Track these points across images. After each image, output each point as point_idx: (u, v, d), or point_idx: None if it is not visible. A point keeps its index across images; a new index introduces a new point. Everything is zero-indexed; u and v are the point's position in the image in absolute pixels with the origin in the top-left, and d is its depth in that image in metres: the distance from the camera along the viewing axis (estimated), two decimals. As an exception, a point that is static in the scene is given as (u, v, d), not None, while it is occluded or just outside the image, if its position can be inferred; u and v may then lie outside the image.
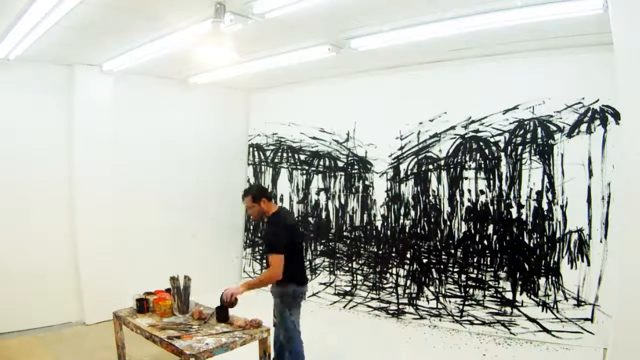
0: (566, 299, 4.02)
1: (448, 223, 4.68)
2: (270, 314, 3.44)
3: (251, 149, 6.44)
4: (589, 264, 3.93)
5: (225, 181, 6.28)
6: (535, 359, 3.83)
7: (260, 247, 6.28)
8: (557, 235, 4.07)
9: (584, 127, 3.95)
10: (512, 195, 4.31)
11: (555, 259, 4.07)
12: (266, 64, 4.61)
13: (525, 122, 4.22)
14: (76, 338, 4.34)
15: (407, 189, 4.96)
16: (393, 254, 5.08)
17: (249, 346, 3.01)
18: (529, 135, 4.21)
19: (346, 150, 5.45)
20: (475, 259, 4.51)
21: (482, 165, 4.47)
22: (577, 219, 3.99)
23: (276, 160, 6.15)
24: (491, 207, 4.43)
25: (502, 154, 4.36)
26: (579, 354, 3.84)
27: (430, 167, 4.78)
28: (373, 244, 5.25)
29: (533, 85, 4.17)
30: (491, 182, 4.43)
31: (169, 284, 3.34)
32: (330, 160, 5.61)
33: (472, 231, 4.53)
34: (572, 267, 4.01)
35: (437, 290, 4.73)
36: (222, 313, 3.21)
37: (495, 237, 4.39)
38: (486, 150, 4.45)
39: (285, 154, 6.05)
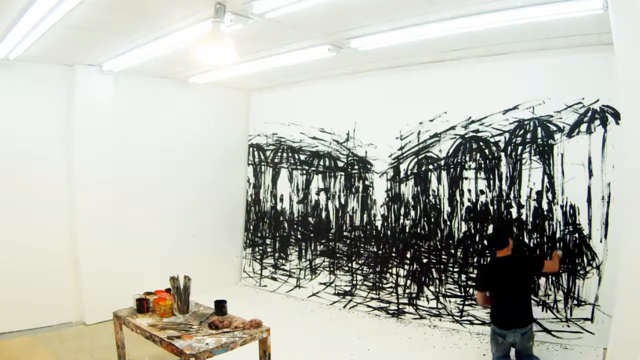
0: (566, 298, 4.02)
1: (448, 223, 4.68)
2: (271, 314, 3.44)
3: (251, 149, 6.44)
4: (589, 264, 3.93)
5: (225, 181, 6.29)
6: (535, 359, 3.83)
7: (260, 247, 6.28)
8: (557, 235, 4.07)
9: (584, 127, 3.95)
10: (512, 195, 4.31)
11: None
12: (266, 64, 4.61)
13: (525, 122, 4.22)
14: (76, 338, 4.35)
15: (407, 189, 4.96)
16: (393, 254, 5.09)
17: (249, 346, 3.01)
18: (529, 135, 4.21)
19: (346, 150, 5.45)
20: (475, 259, 4.51)
21: (482, 165, 4.47)
22: (577, 219, 3.98)
23: (276, 160, 6.15)
24: (491, 207, 4.43)
25: (502, 154, 4.36)
26: (579, 354, 3.84)
27: (430, 167, 4.78)
28: (373, 244, 5.25)
29: (533, 85, 4.16)
30: (491, 182, 4.43)
31: (169, 284, 3.34)
32: (330, 160, 5.61)
33: (472, 231, 4.53)
34: (572, 267, 4.00)
35: (437, 290, 4.74)
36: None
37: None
38: (486, 150, 4.45)
39: (285, 154, 6.05)
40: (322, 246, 5.70)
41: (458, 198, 4.61)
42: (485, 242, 4.35)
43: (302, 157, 5.87)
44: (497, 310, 3.44)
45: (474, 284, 4.33)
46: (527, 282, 3.53)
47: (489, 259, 4.31)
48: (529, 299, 3.47)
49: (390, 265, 5.10)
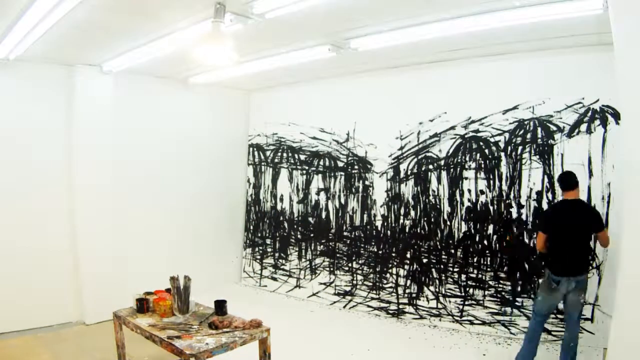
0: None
1: (448, 223, 4.68)
2: (271, 314, 3.44)
3: (251, 149, 6.44)
4: (589, 264, 3.92)
5: (225, 181, 6.29)
6: (535, 359, 3.82)
7: (260, 247, 6.28)
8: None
9: (584, 127, 3.95)
10: (512, 195, 4.31)
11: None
12: (266, 64, 4.61)
13: (525, 122, 4.22)
14: (76, 338, 4.35)
15: (407, 189, 4.96)
16: (393, 254, 5.09)
17: (249, 346, 3.01)
18: (529, 135, 4.21)
19: (346, 150, 5.45)
20: (475, 259, 4.51)
21: (482, 165, 4.47)
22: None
23: (276, 160, 6.15)
24: (491, 207, 4.43)
25: (502, 154, 4.36)
26: (579, 354, 3.83)
27: (430, 167, 4.78)
28: (373, 244, 5.25)
29: (533, 85, 4.16)
30: (491, 182, 4.43)
31: (169, 284, 3.34)
32: (330, 160, 5.61)
33: (472, 231, 4.53)
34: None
35: (437, 290, 4.74)
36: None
37: (495, 237, 4.39)
38: (486, 150, 4.45)
39: (285, 154, 6.05)
40: (322, 246, 5.70)
41: (458, 198, 4.61)
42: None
43: (302, 157, 5.87)
44: (555, 255, 3.43)
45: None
46: (588, 231, 3.41)
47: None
48: (588, 248, 3.44)
49: (390, 265, 5.10)
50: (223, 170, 6.26)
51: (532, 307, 3.75)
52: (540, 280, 3.85)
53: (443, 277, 4.70)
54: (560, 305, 3.61)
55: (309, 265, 5.79)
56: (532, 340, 3.53)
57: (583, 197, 3.92)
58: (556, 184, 4.07)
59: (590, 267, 3.60)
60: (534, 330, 3.55)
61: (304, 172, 5.86)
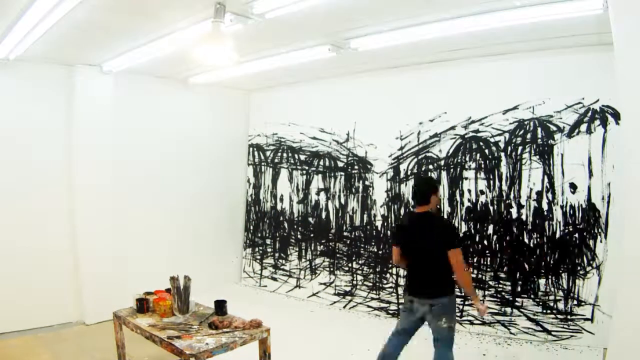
0: (566, 298, 4.02)
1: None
2: (271, 314, 3.43)
3: (251, 149, 6.44)
4: (589, 264, 3.93)
5: (225, 181, 6.29)
6: (535, 359, 3.83)
7: (260, 247, 6.28)
8: (557, 235, 4.07)
9: (584, 127, 3.95)
10: (512, 195, 4.31)
11: (556, 259, 4.07)
12: (266, 64, 4.61)
13: (525, 122, 4.22)
14: (76, 338, 4.35)
15: (407, 189, 4.96)
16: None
17: (249, 346, 3.01)
18: (529, 135, 4.21)
19: (346, 151, 5.45)
20: (475, 259, 4.51)
21: (482, 165, 4.47)
22: (577, 219, 3.98)
23: (276, 160, 6.15)
24: (491, 207, 4.43)
25: (502, 154, 4.36)
26: (579, 354, 3.84)
27: (430, 167, 4.78)
28: (373, 244, 5.25)
29: (533, 85, 4.16)
30: (491, 182, 4.43)
31: (169, 284, 3.34)
32: (330, 161, 5.61)
33: (472, 231, 4.53)
34: (572, 267, 4.00)
35: (437, 290, 4.73)
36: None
37: (495, 237, 4.39)
38: (486, 151, 4.45)
39: (285, 154, 6.05)
40: (322, 246, 5.70)
41: (458, 198, 4.61)
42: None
43: (302, 157, 5.87)
44: (407, 272, 3.16)
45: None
46: (437, 249, 2.93)
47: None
48: (440, 269, 2.96)
49: (390, 265, 5.10)
50: (223, 170, 6.26)
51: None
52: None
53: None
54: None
55: (309, 266, 5.79)
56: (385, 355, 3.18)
57: (583, 197, 3.94)
58: (556, 184, 4.08)
59: (450, 290, 3.03)
60: (387, 347, 3.20)
61: (304, 172, 5.86)
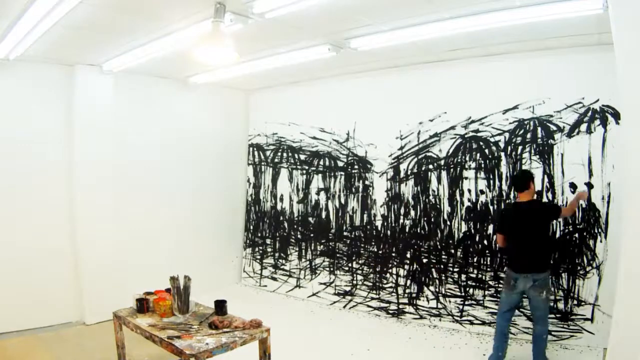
0: (566, 298, 4.02)
1: (448, 223, 4.68)
2: (271, 314, 3.44)
3: (251, 149, 6.44)
4: (589, 264, 3.93)
5: (225, 181, 6.29)
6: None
7: (260, 247, 6.28)
8: (557, 235, 4.07)
9: (584, 127, 3.95)
10: (512, 195, 4.30)
11: (556, 259, 4.07)
12: (266, 64, 4.61)
13: (525, 122, 4.22)
14: (76, 338, 4.35)
15: (407, 189, 4.96)
16: (393, 254, 5.09)
17: (249, 346, 3.01)
18: (529, 135, 4.21)
19: (346, 150, 5.45)
20: (475, 259, 4.51)
21: (482, 165, 4.47)
22: (577, 218, 3.98)
23: (276, 160, 6.15)
24: (491, 207, 4.43)
25: (502, 153, 4.36)
26: (579, 353, 3.84)
27: (430, 167, 4.78)
28: (373, 243, 5.25)
29: (533, 85, 4.16)
30: (491, 182, 4.43)
31: (169, 284, 3.34)
32: (330, 160, 5.61)
33: (472, 231, 4.53)
34: (572, 267, 4.00)
35: (437, 290, 4.74)
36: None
37: (495, 237, 4.39)
38: (486, 150, 4.45)
39: (285, 154, 6.05)
40: (322, 246, 5.70)
41: (458, 198, 4.61)
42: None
43: (302, 157, 5.87)
44: (512, 253, 3.60)
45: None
46: (544, 229, 3.54)
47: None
48: (545, 247, 3.53)
49: (390, 265, 5.10)
50: (223, 170, 6.26)
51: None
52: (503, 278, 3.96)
53: (443, 277, 4.70)
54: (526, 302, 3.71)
55: (309, 265, 5.79)
56: (498, 338, 3.61)
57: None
58: (556, 184, 4.08)
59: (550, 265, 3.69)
60: (499, 326, 3.64)
61: (304, 172, 5.86)
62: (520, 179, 3.60)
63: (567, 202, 3.99)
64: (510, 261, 3.62)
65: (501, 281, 4.35)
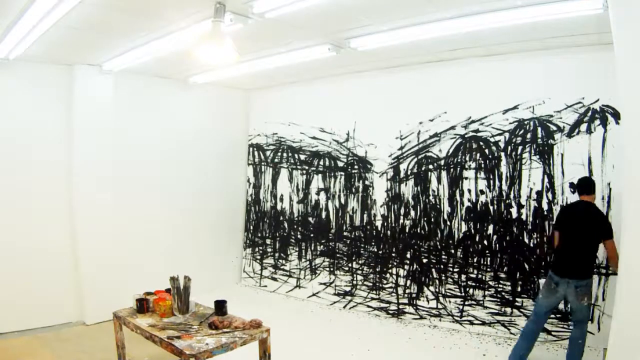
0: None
1: (448, 223, 4.68)
2: (271, 314, 3.44)
3: (251, 149, 6.44)
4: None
5: (225, 181, 6.29)
6: (535, 359, 3.83)
7: (260, 247, 6.28)
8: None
9: (584, 127, 3.95)
10: (512, 195, 4.31)
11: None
12: (266, 64, 4.61)
13: (525, 122, 4.22)
14: (76, 338, 4.34)
15: (407, 189, 4.96)
16: (393, 254, 5.09)
17: (249, 346, 3.01)
18: (529, 135, 4.21)
19: (346, 150, 5.45)
20: (475, 259, 4.51)
21: (482, 165, 4.47)
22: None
23: (276, 160, 6.15)
24: (491, 207, 4.43)
25: (502, 153, 4.36)
26: (579, 354, 3.84)
27: (430, 167, 4.78)
28: (373, 244, 5.25)
29: (533, 85, 4.16)
30: (491, 182, 4.43)
31: (169, 284, 3.34)
32: (330, 160, 5.61)
33: (472, 231, 4.53)
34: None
35: (437, 290, 4.73)
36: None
37: (495, 237, 4.39)
38: (486, 150, 4.45)
39: (285, 154, 6.05)
40: (322, 246, 5.70)
41: (458, 198, 4.61)
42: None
43: (302, 157, 5.87)
44: (562, 253, 3.51)
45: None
46: (594, 236, 3.39)
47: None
48: (591, 253, 3.42)
49: (390, 265, 5.10)
50: (223, 170, 6.26)
51: (534, 306, 3.77)
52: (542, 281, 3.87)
53: (443, 277, 4.70)
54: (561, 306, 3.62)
55: (309, 266, 5.79)
56: (526, 338, 3.56)
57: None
58: (556, 184, 4.08)
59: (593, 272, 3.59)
60: (530, 328, 3.58)
61: (304, 172, 5.86)
62: (591, 184, 3.52)
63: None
64: (554, 263, 3.55)
65: (501, 281, 4.35)
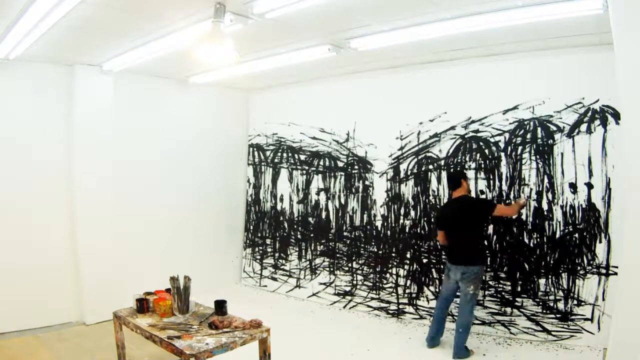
0: (566, 298, 4.02)
1: (448, 223, 4.67)
2: (271, 314, 3.44)
3: (251, 149, 6.44)
4: (589, 264, 3.93)
5: (225, 181, 6.29)
6: (535, 359, 3.83)
7: (260, 247, 6.28)
8: (557, 235, 4.07)
9: (584, 127, 3.95)
10: (512, 195, 4.30)
11: (556, 259, 4.07)
12: (266, 64, 4.61)
13: (525, 122, 4.22)
14: (76, 338, 4.35)
15: (407, 189, 4.96)
16: (393, 254, 5.09)
17: (249, 346, 3.01)
18: (529, 136, 4.21)
19: (346, 150, 5.45)
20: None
21: (482, 165, 4.47)
22: (577, 219, 3.98)
23: (276, 160, 6.15)
24: (491, 207, 4.42)
25: (502, 154, 4.36)
26: (579, 354, 3.84)
27: (430, 167, 4.78)
28: (373, 244, 5.25)
29: (533, 85, 4.16)
30: (491, 182, 4.43)
31: (169, 284, 3.34)
32: (330, 161, 5.61)
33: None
34: (572, 267, 4.00)
35: (437, 290, 4.73)
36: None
37: (495, 237, 4.39)
38: (486, 150, 4.45)
39: (285, 154, 6.05)
40: (322, 246, 5.70)
41: (458, 198, 4.60)
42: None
43: (302, 157, 5.87)
44: (448, 245, 4.01)
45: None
46: (475, 222, 3.89)
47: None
48: (475, 240, 3.90)
49: (390, 265, 5.10)
50: (223, 170, 6.26)
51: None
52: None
53: (443, 277, 4.69)
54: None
55: (309, 265, 5.79)
56: (436, 320, 4.09)
57: (583, 196, 3.95)
58: (556, 183, 4.08)
59: (481, 260, 3.96)
60: (437, 309, 4.11)
61: (304, 172, 5.86)
62: (453, 178, 4.05)
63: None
64: (448, 253, 4.05)
65: (501, 281, 4.35)
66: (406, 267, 4.97)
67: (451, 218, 3.94)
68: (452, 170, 4.53)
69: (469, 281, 3.79)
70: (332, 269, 5.58)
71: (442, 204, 4.58)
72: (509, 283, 4.32)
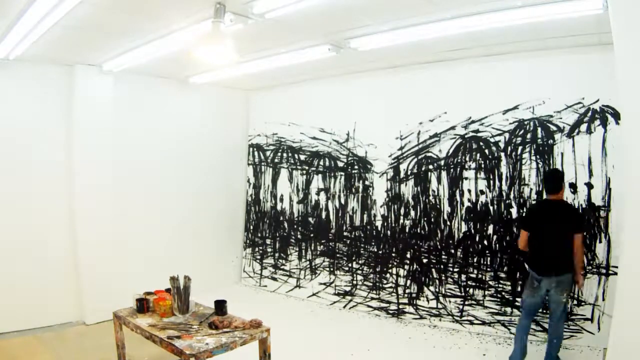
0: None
1: (448, 223, 4.68)
2: (271, 314, 3.44)
3: (251, 149, 6.44)
4: (589, 264, 3.92)
5: (225, 181, 6.29)
6: (535, 359, 3.83)
7: (260, 247, 6.28)
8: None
9: (584, 127, 3.95)
10: (512, 195, 4.31)
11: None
12: (266, 64, 4.61)
13: (525, 122, 4.22)
14: (76, 338, 4.35)
15: (407, 189, 4.96)
16: (393, 254, 5.09)
17: (249, 346, 3.01)
18: (529, 136, 4.21)
19: (346, 150, 5.45)
20: (475, 259, 4.51)
21: (482, 165, 4.47)
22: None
23: (276, 160, 6.15)
24: (491, 207, 4.43)
25: (502, 154, 4.36)
26: (579, 354, 3.84)
27: (430, 167, 4.78)
28: (373, 244, 5.25)
29: (533, 85, 4.16)
30: (491, 182, 4.43)
31: (169, 284, 3.34)
32: (330, 161, 5.61)
33: (472, 231, 4.53)
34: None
35: (437, 290, 4.74)
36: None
37: (495, 237, 4.39)
38: (486, 150, 4.45)
39: (285, 154, 6.05)
40: (322, 246, 5.70)
41: (458, 198, 4.61)
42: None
43: (302, 157, 5.87)
44: (535, 252, 3.55)
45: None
46: (571, 231, 3.44)
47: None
48: (570, 247, 3.43)
49: (390, 265, 5.10)
50: (223, 170, 6.26)
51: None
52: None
53: (443, 277, 4.70)
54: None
55: (309, 266, 5.79)
56: (521, 338, 3.62)
57: (583, 196, 3.95)
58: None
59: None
60: (522, 327, 3.64)
61: (304, 172, 5.86)
62: (557, 179, 3.55)
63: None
64: (534, 262, 3.56)
65: (501, 281, 4.35)
66: (406, 267, 4.97)
67: (548, 221, 3.48)
68: (554, 170, 3.96)
69: (563, 289, 3.44)
70: (332, 269, 5.59)
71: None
72: (509, 283, 4.32)
